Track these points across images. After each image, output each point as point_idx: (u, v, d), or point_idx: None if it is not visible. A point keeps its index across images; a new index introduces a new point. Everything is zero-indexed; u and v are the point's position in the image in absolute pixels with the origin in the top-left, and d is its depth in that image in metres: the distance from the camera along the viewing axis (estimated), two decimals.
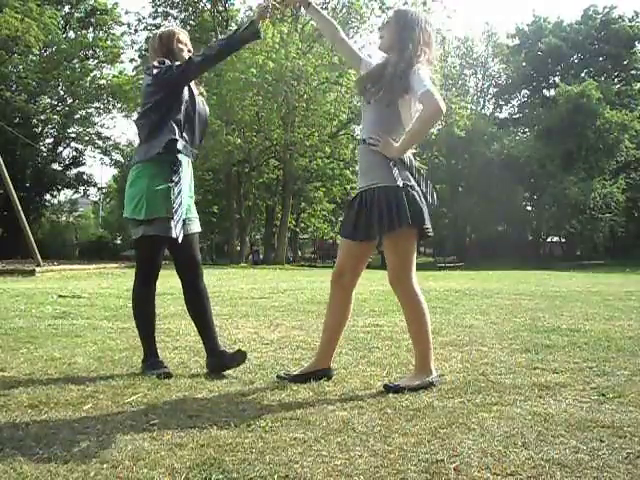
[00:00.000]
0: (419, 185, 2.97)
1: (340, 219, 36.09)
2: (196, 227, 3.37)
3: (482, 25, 76.93)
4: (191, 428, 2.26)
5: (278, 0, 3.19)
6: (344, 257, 3.10)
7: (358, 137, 3.12)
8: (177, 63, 3.21)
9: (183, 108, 3.22)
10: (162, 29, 3.55)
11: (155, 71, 3.19)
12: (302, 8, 3.29)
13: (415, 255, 3.02)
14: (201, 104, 3.36)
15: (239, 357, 3.22)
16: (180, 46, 3.32)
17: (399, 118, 2.95)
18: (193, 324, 3.43)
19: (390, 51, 3.02)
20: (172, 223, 3.12)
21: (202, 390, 2.86)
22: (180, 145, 3.19)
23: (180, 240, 3.14)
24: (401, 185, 2.88)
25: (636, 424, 2.31)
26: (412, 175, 2.97)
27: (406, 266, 2.94)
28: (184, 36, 3.38)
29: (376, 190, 2.91)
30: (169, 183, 3.14)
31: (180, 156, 3.20)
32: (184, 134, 3.25)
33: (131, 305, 3.46)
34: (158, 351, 3.34)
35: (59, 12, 31.20)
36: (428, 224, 2.96)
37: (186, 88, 3.26)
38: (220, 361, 3.21)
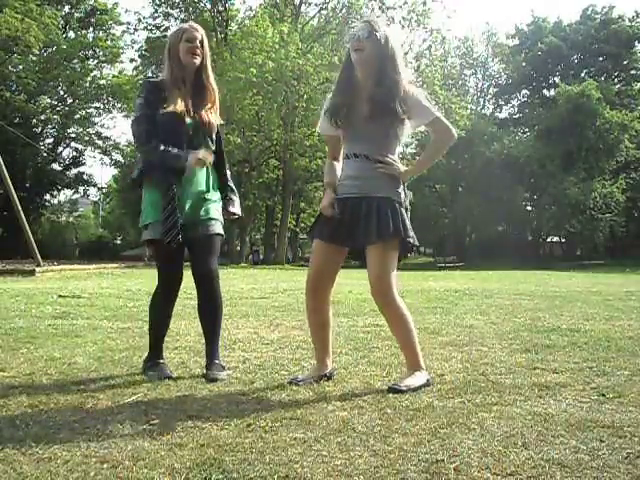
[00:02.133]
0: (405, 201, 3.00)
1: None
2: (214, 229, 3.20)
3: (482, 25, 77.05)
4: (191, 428, 2.26)
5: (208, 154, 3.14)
6: (321, 262, 3.02)
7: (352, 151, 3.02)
8: (136, 120, 3.10)
9: (162, 129, 3.10)
10: (172, 29, 3.45)
11: (133, 113, 3.19)
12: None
13: (396, 267, 2.98)
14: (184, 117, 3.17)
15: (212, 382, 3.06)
16: (185, 44, 3.13)
17: (396, 136, 2.98)
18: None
19: (365, 66, 2.92)
20: (164, 227, 3.06)
21: (202, 390, 2.86)
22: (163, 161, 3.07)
23: (172, 244, 3.05)
24: (397, 199, 2.92)
25: (636, 424, 2.31)
26: (402, 191, 3.00)
27: (389, 277, 2.91)
28: (192, 32, 3.16)
29: (369, 199, 2.90)
30: (169, 190, 3.09)
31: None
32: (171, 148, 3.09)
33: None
34: (163, 353, 3.32)
35: (59, 12, 31.25)
36: (414, 240, 2.96)
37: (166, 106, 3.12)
38: (206, 372, 3.13)
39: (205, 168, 3.20)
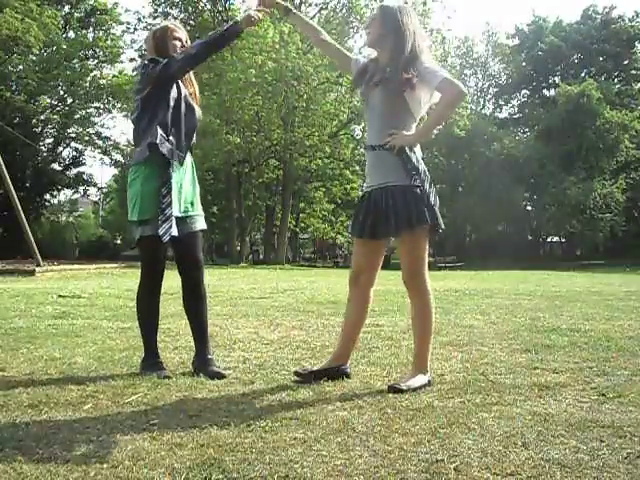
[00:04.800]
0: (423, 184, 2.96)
1: (340, 219, 36.13)
2: (199, 225, 3.30)
3: (482, 25, 77.06)
4: (191, 428, 2.26)
5: (260, 8, 3.20)
6: (359, 256, 3.12)
7: (361, 139, 3.12)
8: (163, 61, 3.15)
9: (170, 111, 3.17)
10: (156, 27, 3.51)
11: (143, 70, 3.19)
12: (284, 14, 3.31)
13: (427, 252, 3.03)
14: (190, 104, 3.29)
15: (216, 377, 3.08)
16: (174, 42, 3.26)
17: (408, 111, 2.95)
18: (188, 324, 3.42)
19: (378, 46, 3.01)
20: (160, 221, 3.09)
21: (202, 390, 2.86)
22: (164, 148, 3.11)
23: (165, 240, 3.09)
24: (416, 184, 2.90)
25: (636, 424, 2.31)
26: (419, 174, 2.95)
27: (421, 263, 2.99)
28: (179, 32, 3.31)
29: (391, 189, 2.91)
30: (167, 182, 3.13)
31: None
32: (170, 137, 3.16)
33: (134, 304, 3.43)
34: (159, 351, 3.33)
35: (59, 12, 31.17)
36: (440, 220, 2.99)
37: (175, 88, 3.21)
38: (204, 368, 3.16)
39: (189, 160, 3.29)
